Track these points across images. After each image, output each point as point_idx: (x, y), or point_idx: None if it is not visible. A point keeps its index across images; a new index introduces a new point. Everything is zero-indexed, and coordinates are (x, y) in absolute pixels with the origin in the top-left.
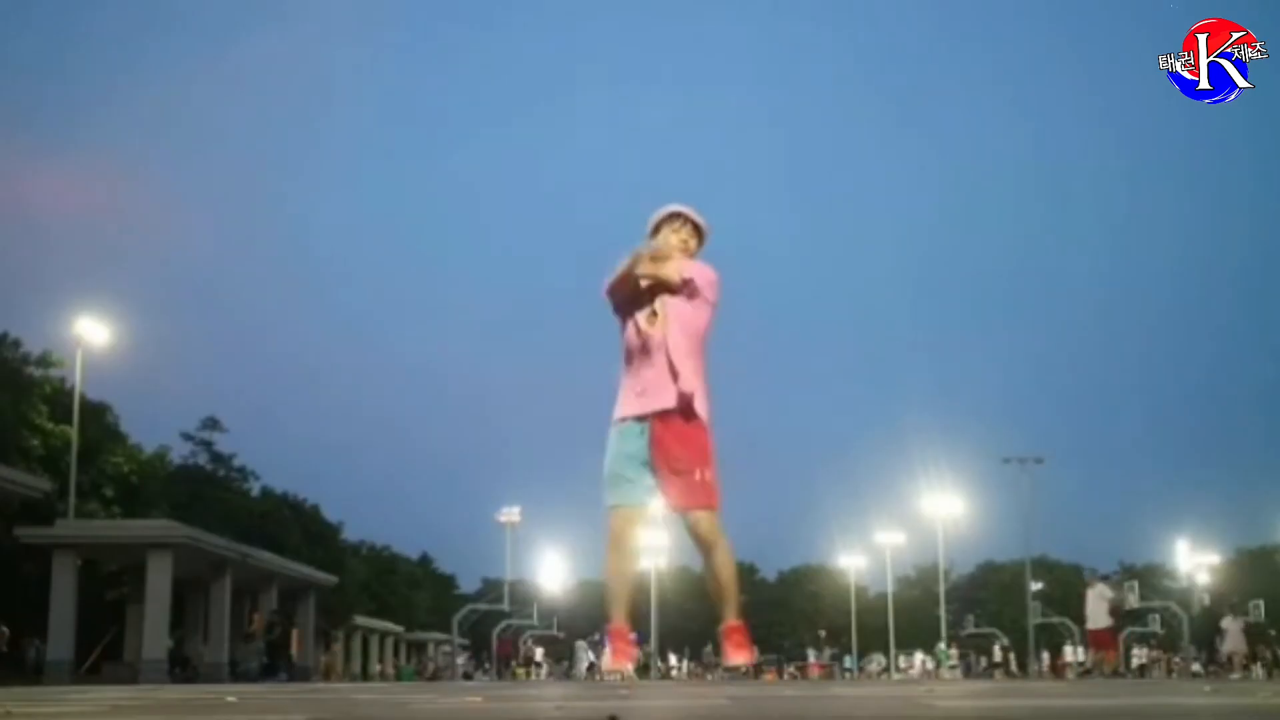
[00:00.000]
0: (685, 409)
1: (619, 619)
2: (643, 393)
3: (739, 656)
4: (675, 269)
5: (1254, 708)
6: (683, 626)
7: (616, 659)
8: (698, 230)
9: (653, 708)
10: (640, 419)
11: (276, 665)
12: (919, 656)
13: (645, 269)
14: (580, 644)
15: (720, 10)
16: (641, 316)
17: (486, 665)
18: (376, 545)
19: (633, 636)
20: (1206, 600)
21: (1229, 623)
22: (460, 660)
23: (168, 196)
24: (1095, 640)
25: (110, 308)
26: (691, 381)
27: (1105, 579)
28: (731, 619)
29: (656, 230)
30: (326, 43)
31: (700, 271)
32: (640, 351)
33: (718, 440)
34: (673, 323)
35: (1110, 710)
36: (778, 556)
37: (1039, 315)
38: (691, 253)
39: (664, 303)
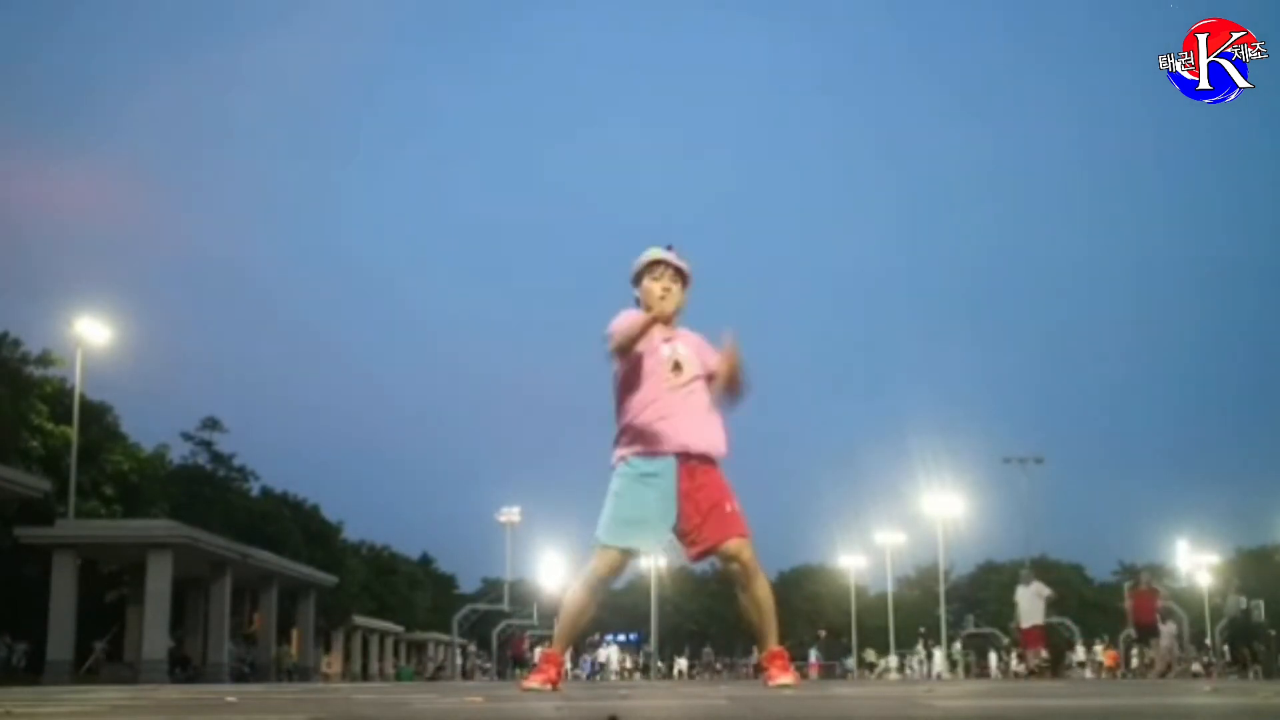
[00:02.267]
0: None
1: (559, 648)
2: (668, 436)
3: (784, 678)
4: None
5: (1254, 708)
6: (682, 626)
7: (534, 678)
8: (679, 273)
9: (652, 707)
10: (661, 460)
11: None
12: (939, 655)
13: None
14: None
15: (724, 22)
16: (664, 365)
17: (486, 665)
18: (376, 545)
19: (566, 667)
20: (1244, 604)
21: (1164, 627)
22: (468, 660)
23: (168, 196)
24: (1028, 639)
25: (110, 308)
26: (713, 433)
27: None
28: (773, 645)
29: (639, 277)
30: (332, 43)
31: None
32: (663, 396)
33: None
34: (692, 373)
35: (1110, 710)
36: (778, 556)
37: (1040, 315)
38: (673, 298)
39: (688, 359)
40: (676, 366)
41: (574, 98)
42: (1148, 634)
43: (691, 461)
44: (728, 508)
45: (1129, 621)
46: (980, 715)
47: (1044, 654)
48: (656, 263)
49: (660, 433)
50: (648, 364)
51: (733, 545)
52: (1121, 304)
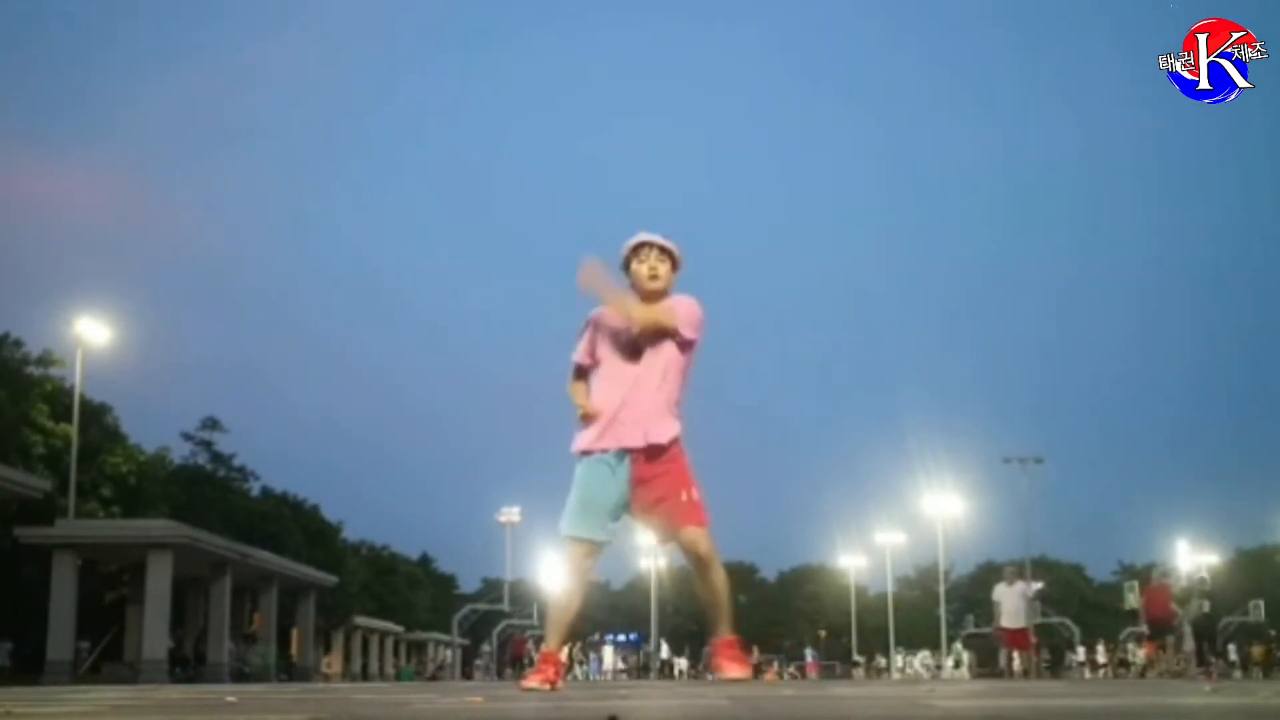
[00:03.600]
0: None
1: (553, 645)
2: (616, 429)
3: (735, 670)
4: (668, 315)
5: (1254, 708)
6: (682, 626)
7: (533, 678)
8: (667, 254)
9: (652, 707)
10: (615, 453)
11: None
12: (949, 659)
13: (640, 316)
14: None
15: (724, 16)
16: (616, 352)
17: (489, 665)
18: (376, 545)
19: (563, 664)
20: (1206, 607)
21: (1187, 624)
22: (481, 660)
23: (168, 196)
24: (1014, 640)
25: (110, 308)
26: (665, 423)
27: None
28: (726, 634)
29: (627, 262)
30: (332, 42)
31: (685, 312)
32: (613, 384)
33: (718, 443)
34: (650, 360)
35: (1110, 710)
36: (778, 556)
37: (1040, 315)
38: (661, 279)
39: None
40: (635, 352)
41: (575, 100)
42: (1162, 631)
43: (644, 451)
44: (684, 496)
45: (1141, 619)
46: (980, 715)
47: (1045, 655)
48: (641, 245)
49: (614, 426)
50: (604, 352)
51: (689, 534)
52: (1121, 304)
